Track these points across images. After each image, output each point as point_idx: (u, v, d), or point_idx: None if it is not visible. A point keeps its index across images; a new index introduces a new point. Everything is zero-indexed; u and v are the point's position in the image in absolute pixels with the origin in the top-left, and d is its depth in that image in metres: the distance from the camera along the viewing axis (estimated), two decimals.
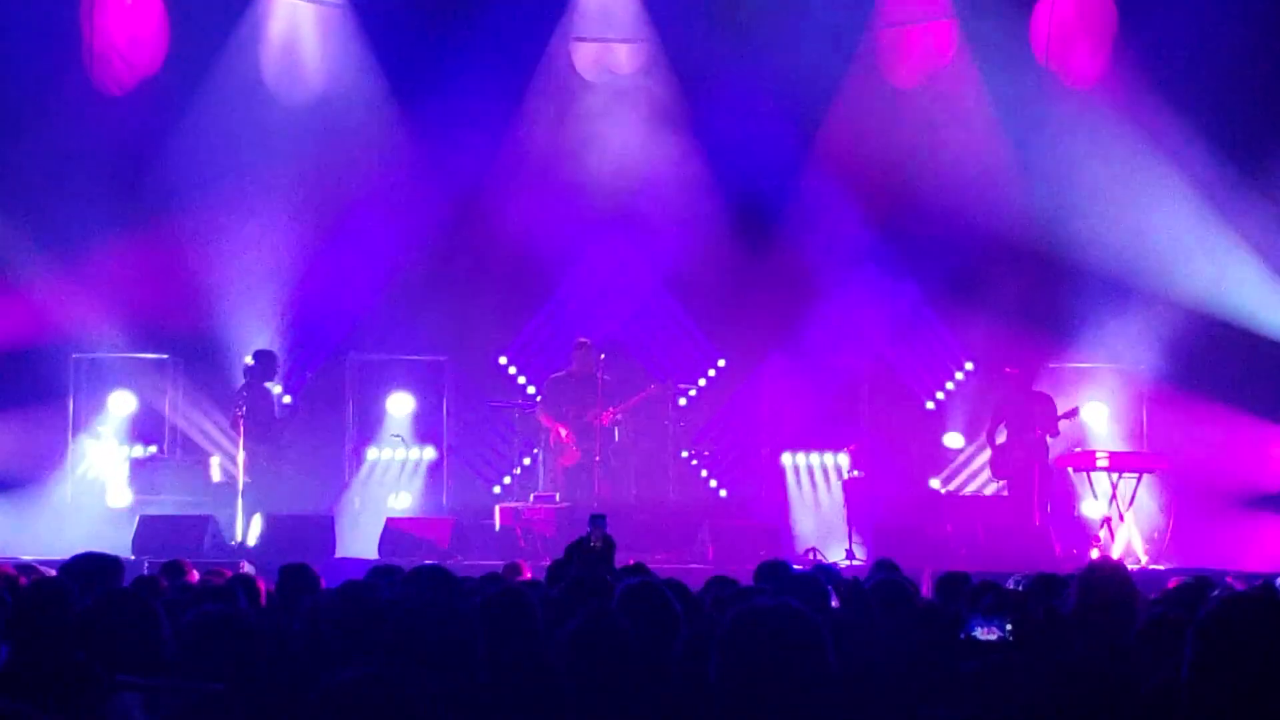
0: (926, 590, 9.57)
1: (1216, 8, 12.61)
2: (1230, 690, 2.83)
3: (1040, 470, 12.58)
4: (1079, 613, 4.69)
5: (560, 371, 13.42)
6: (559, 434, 13.00)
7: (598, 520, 7.92)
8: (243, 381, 12.89)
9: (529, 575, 7.69)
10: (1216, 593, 3.10)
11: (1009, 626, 4.40)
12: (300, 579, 6.20)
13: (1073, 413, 12.71)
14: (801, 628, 2.94)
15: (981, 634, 4.42)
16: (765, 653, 2.90)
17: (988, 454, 13.18)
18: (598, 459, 12.77)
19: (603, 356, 13.05)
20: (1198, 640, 2.89)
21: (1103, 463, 12.35)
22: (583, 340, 13.28)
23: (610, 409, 12.98)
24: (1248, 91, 13.00)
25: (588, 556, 7.56)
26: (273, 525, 12.03)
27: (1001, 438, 12.87)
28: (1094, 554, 11.76)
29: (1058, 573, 6.44)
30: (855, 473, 13.02)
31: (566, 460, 12.98)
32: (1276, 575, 7.91)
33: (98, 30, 13.44)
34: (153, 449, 13.62)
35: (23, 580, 6.63)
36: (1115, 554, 11.82)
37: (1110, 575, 5.04)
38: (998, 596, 5.16)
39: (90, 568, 5.94)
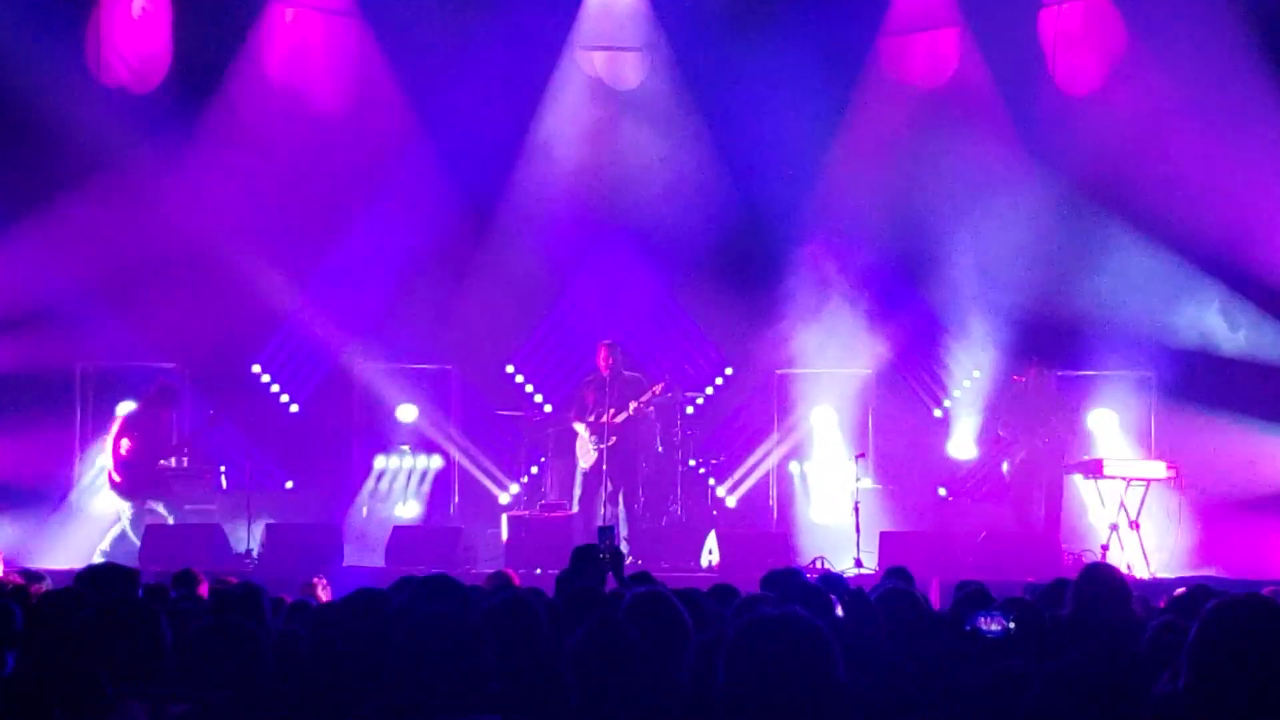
0: (935, 599, 9.56)
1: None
2: (1225, 696, 2.82)
3: (1048, 478, 12.54)
4: (1076, 617, 4.68)
5: (590, 375, 13.33)
6: (578, 436, 12.96)
7: (605, 532, 7.92)
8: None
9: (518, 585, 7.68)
10: (1213, 601, 3.10)
11: (1012, 623, 4.39)
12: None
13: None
14: (809, 637, 2.93)
15: (984, 624, 4.41)
16: (772, 662, 2.89)
17: (994, 461, 13.15)
18: (605, 467, 12.73)
19: (611, 361, 13.00)
20: (1192, 648, 2.89)
21: (1111, 470, 12.31)
22: (604, 342, 13.19)
23: (619, 410, 12.86)
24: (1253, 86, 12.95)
25: (597, 568, 7.55)
26: (280, 534, 12.03)
27: (1007, 447, 12.83)
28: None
29: (1068, 580, 6.41)
30: (864, 481, 12.98)
31: (584, 463, 12.91)
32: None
33: (105, 40, 13.47)
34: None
35: (33, 589, 6.65)
36: (1124, 562, 11.78)
37: (1106, 579, 5.04)
38: (1007, 603, 5.15)
39: (104, 579, 5.94)
